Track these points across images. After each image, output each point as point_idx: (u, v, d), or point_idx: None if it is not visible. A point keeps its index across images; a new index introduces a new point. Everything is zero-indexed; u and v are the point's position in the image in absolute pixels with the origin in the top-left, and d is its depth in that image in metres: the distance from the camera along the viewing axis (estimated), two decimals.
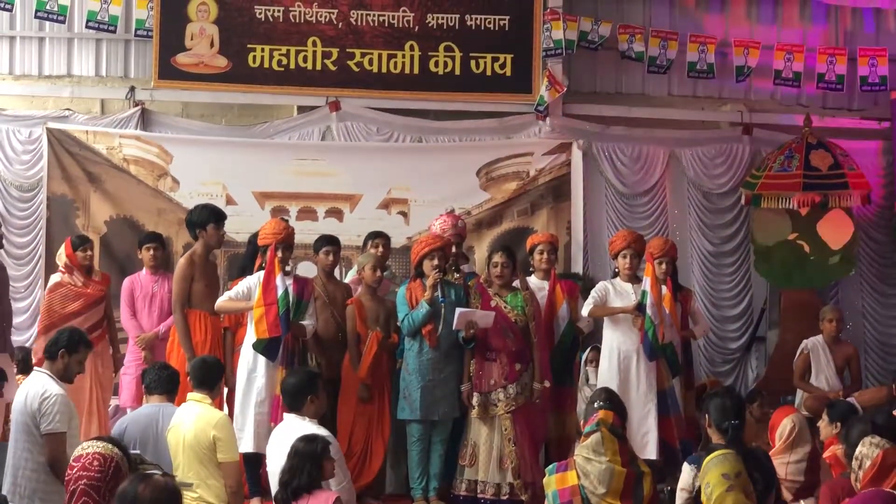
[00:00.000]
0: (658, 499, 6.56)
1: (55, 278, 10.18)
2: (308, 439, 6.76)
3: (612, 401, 6.67)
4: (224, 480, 7.29)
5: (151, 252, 10.39)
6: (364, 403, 9.13)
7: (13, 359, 9.85)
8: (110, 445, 5.30)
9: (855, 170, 12.04)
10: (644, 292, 9.13)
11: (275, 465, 7.08)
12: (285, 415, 7.43)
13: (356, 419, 9.10)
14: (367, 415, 9.16)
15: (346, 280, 10.00)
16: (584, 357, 10.24)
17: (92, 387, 9.94)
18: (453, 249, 9.61)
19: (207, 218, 9.58)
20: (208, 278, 9.59)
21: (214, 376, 7.68)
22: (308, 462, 6.61)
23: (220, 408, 7.90)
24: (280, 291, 8.55)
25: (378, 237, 10.07)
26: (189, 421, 7.31)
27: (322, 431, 7.12)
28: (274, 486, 7.05)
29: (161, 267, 10.49)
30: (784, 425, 8.27)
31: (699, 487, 6.14)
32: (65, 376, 7.26)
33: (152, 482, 4.59)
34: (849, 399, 9.84)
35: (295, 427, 7.16)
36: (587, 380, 10.13)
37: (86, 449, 5.38)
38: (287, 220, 9.93)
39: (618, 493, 6.28)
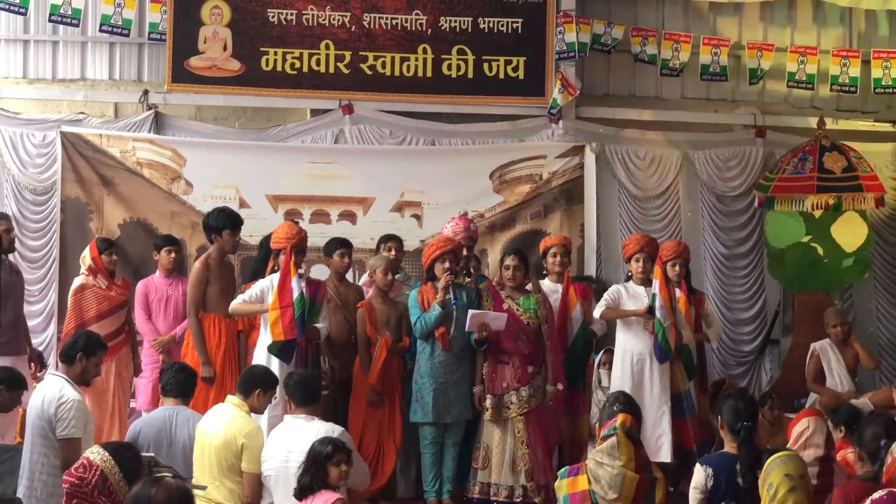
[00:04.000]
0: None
1: (79, 280, 10.17)
2: (322, 442, 6.85)
3: (630, 404, 6.68)
4: (242, 489, 7.36)
5: (173, 255, 10.39)
6: (374, 408, 9.15)
7: (30, 363, 9.85)
8: (106, 454, 5.30)
9: (869, 172, 11.99)
10: (654, 295, 9.13)
11: (284, 461, 7.19)
12: (289, 417, 7.51)
13: (367, 422, 9.11)
14: (377, 418, 9.17)
15: (360, 282, 10.01)
16: (597, 359, 10.23)
17: (115, 391, 9.98)
18: (465, 252, 9.62)
19: (224, 223, 9.56)
20: (223, 282, 9.58)
21: (252, 385, 7.71)
22: (314, 465, 6.72)
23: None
24: (296, 294, 8.56)
25: (391, 240, 10.07)
26: (221, 423, 7.39)
27: (335, 429, 7.24)
28: (278, 485, 7.21)
29: (175, 270, 10.51)
30: (799, 426, 8.25)
31: (711, 487, 6.22)
32: (82, 379, 7.29)
33: (164, 485, 4.61)
34: (861, 399, 9.84)
35: (308, 425, 7.29)
36: (599, 382, 10.11)
37: (87, 453, 5.41)
38: (298, 223, 9.93)
39: (629, 500, 6.28)
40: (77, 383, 7.21)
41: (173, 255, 10.40)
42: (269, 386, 7.83)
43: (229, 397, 7.72)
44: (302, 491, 6.71)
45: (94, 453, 5.32)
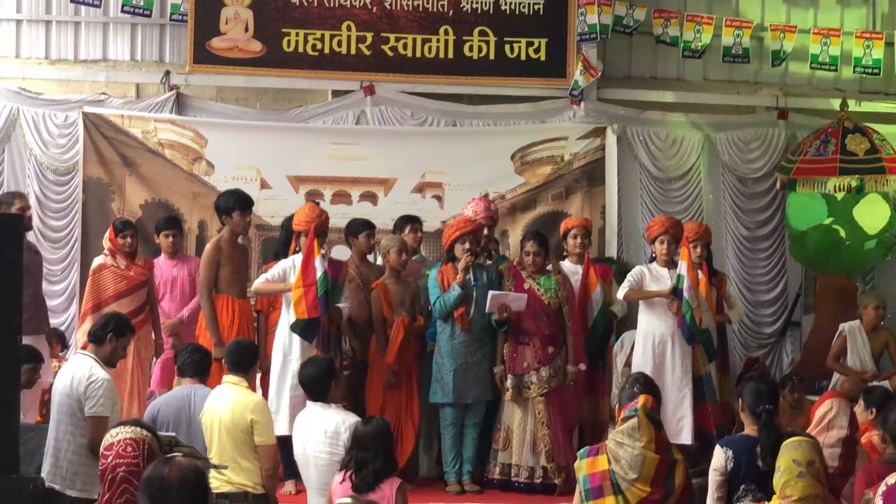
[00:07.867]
0: (691, 487, 6.54)
1: (98, 260, 10.20)
2: (374, 422, 6.75)
3: (650, 385, 6.66)
4: (260, 464, 7.34)
5: (171, 239, 10.38)
6: (392, 388, 9.16)
7: (49, 342, 9.90)
8: (139, 429, 5.31)
9: (892, 154, 11.89)
10: (680, 276, 9.11)
11: (302, 450, 7.14)
12: (309, 403, 7.40)
13: (385, 403, 9.15)
14: (395, 399, 9.21)
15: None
16: (619, 341, 10.22)
17: (134, 371, 9.99)
18: (485, 233, 9.62)
19: (233, 205, 9.58)
20: (235, 263, 9.60)
21: (248, 359, 7.72)
22: (389, 442, 6.62)
23: (254, 390, 7.95)
24: (319, 273, 8.59)
25: (412, 222, 10.08)
26: (226, 404, 7.35)
27: (351, 416, 7.16)
28: (304, 472, 7.13)
29: (180, 251, 10.52)
30: (823, 408, 8.22)
31: (731, 469, 6.21)
32: (109, 360, 7.33)
33: (176, 464, 4.58)
34: (884, 384, 9.81)
35: (321, 414, 7.18)
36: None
37: (115, 436, 5.38)
38: (319, 204, 9.91)
39: (648, 480, 6.23)
40: (104, 364, 7.25)
41: (171, 238, 10.38)
42: (258, 356, 8.16)
43: (226, 377, 7.66)
44: (377, 477, 6.59)
45: (130, 432, 5.31)
